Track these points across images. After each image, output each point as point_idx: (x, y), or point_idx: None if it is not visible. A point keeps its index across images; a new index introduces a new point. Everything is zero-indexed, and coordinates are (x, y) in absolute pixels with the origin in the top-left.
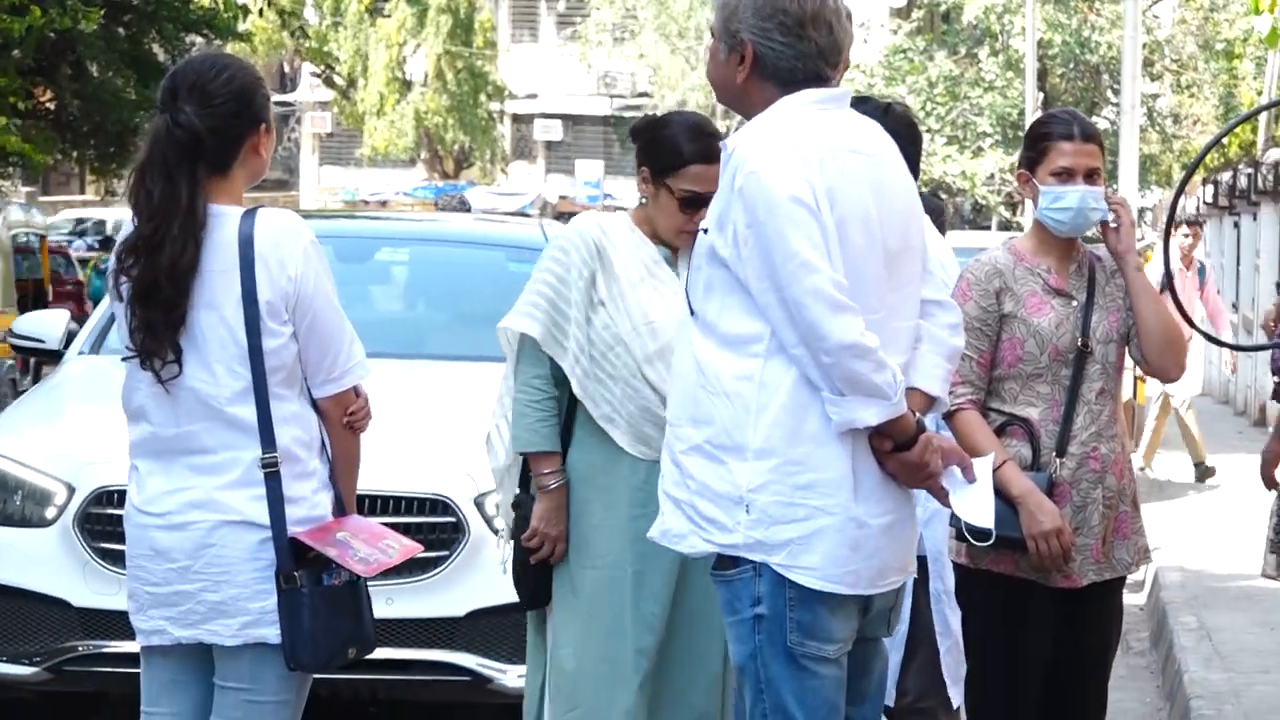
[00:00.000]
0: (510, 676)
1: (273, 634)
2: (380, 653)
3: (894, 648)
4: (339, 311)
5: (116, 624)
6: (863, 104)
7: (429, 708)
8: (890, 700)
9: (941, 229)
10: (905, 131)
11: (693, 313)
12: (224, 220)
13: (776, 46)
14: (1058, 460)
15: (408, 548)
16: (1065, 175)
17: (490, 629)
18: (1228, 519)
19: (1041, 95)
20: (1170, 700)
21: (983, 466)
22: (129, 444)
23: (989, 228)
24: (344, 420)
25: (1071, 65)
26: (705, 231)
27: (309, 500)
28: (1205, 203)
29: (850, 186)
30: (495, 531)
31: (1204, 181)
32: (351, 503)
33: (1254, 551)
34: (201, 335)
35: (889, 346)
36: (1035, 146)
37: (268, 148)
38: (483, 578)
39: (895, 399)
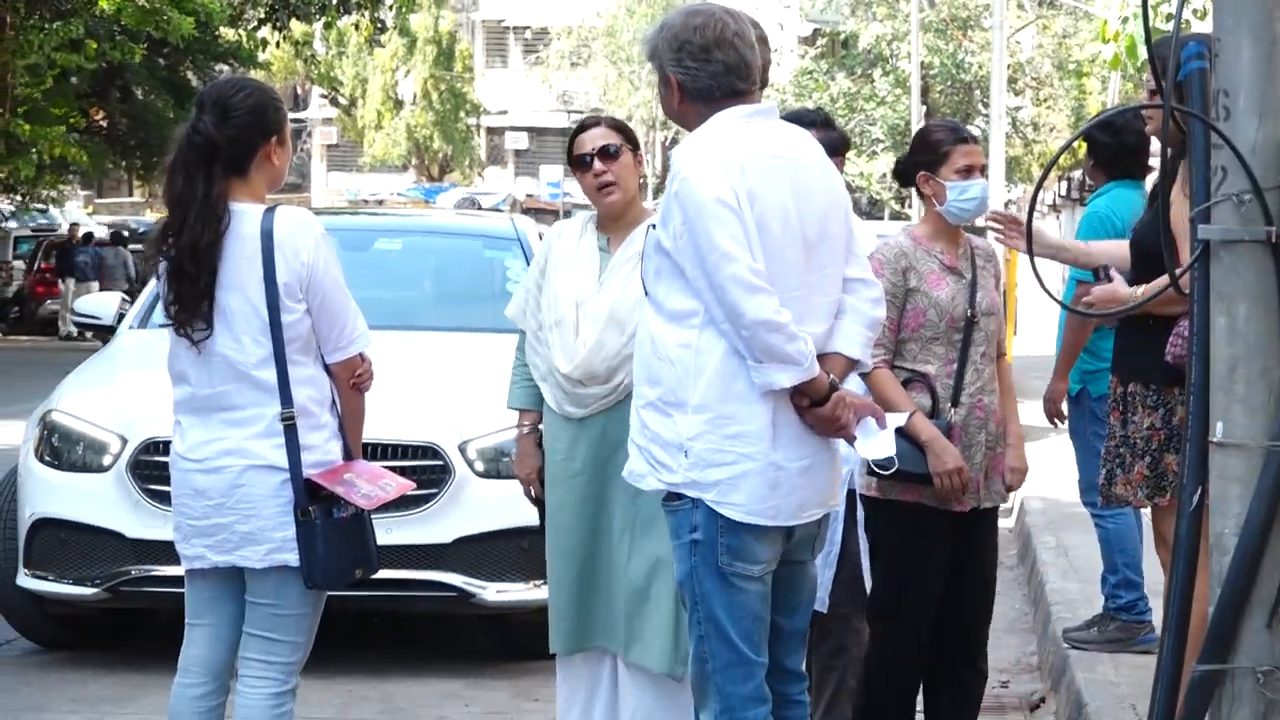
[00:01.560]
0: (490, 592)
1: (293, 558)
2: (381, 573)
3: (826, 565)
4: (345, 291)
5: (163, 551)
6: (805, 116)
7: (421, 619)
8: (824, 608)
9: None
10: (840, 140)
11: (647, 293)
12: (247, 216)
13: (691, 71)
14: (951, 409)
15: (403, 485)
16: (967, 172)
17: (473, 553)
18: (1070, 458)
19: (925, 108)
20: (1035, 605)
21: (893, 421)
22: (173, 402)
23: (882, 218)
24: (351, 381)
25: (949, 83)
26: (654, 227)
27: (321, 448)
28: (1060, 195)
29: (769, 187)
30: (476, 473)
31: (1059, 178)
32: (357, 449)
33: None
34: (230, 311)
35: (809, 318)
36: (935, 151)
37: (280, 157)
38: (466, 510)
39: (806, 364)
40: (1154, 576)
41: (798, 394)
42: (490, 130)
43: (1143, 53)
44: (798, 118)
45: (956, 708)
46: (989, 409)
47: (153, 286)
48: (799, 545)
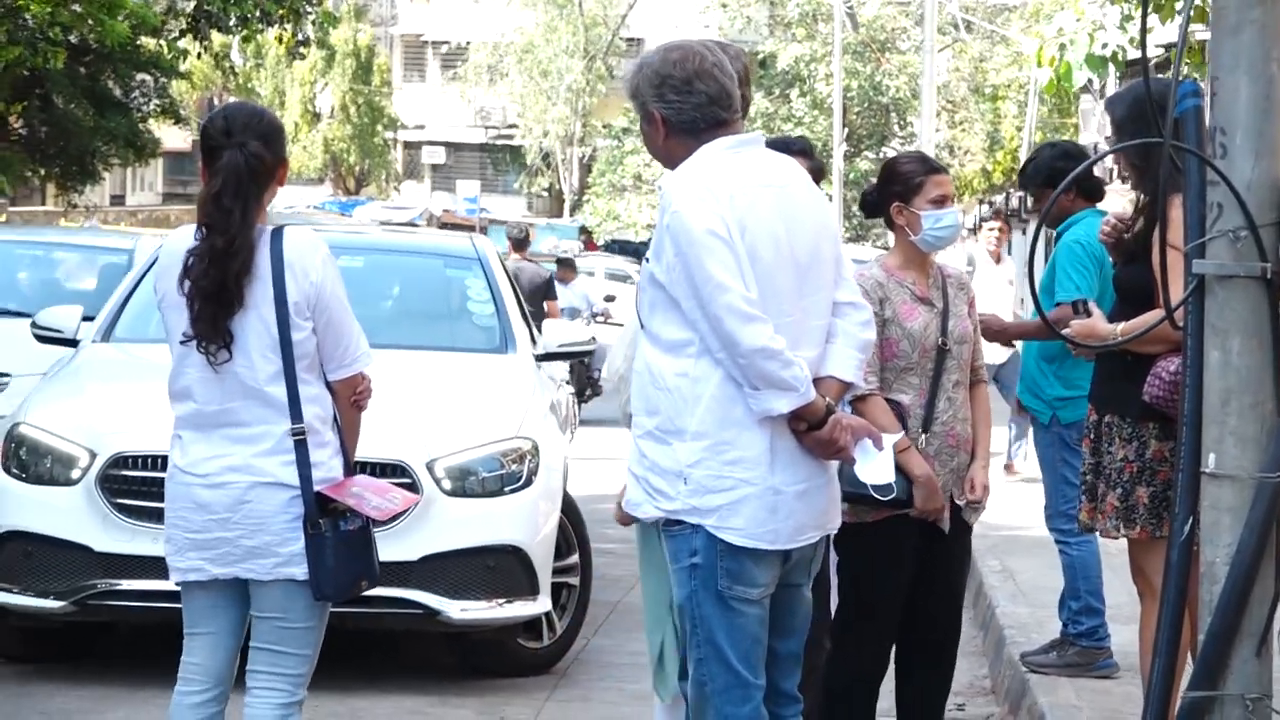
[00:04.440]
0: (454, 610)
1: (299, 572)
2: None
3: None
4: (349, 311)
5: (129, 565)
6: (787, 145)
7: (386, 635)
8: None
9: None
10: (818, 170)
11: (642, 325)
12: (260, 236)
13: (675, 105)
14: (923, 436)
15: (408, 498)
16: (941, 201)
17: (439, 570)
18: (1015, 483)
19: (846, 130)
20: (984, 629)
21: (889, 441)
22: (175, 418)
23: None
24: (352, 398)
25: (866, 105)
26: (647, 260)
27: (326, 464)
28: (981, 219)
29: (759, 215)
30: (443, 491)
31: (980, 201)
32: (352, 465)
33: (1038, 509)
34: (242, 329)
35: (803, 342)
36: (908, 182)
37: (284, 179)
38: (433, 528)
39: (803, 390)
40: (1113, 603)
41: (795, 418)
42: (407, 144)
43: (1079, 78)
44: (781, 145)
45: (927, 697)
46: (960, 438)
47: (115, 300)
48: (795, 568)
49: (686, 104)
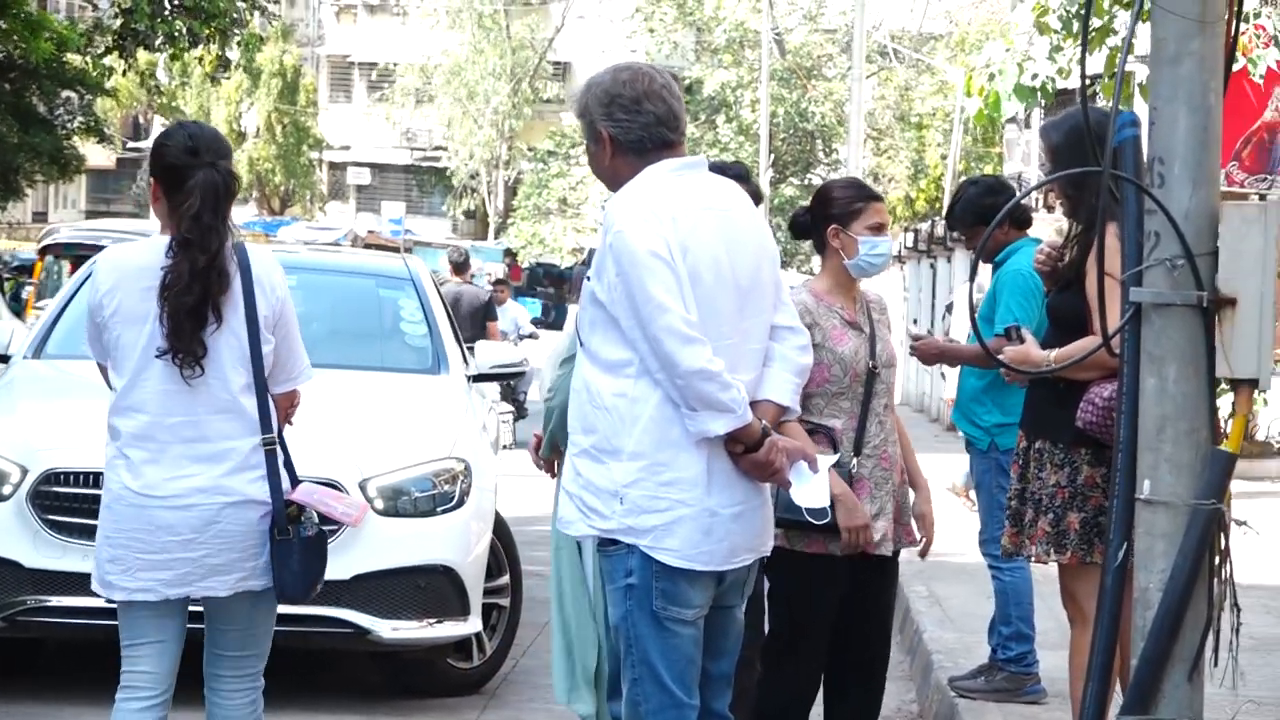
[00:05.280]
0: (385, 629)
1: (258, 584)
2: (278, 609)
3: None
4: (297, 326)
5: (60, 582)
6: (725, 169)
7: (314, 654)
8: None
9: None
10: (756, 194)
11: (581, 344)
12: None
13: (623, 124)
14: (855, 459)
15: (362, 504)
16: (878, 229)
17: (370, 590)
18: (939, 508)
19: (771, 156)
20: (911, 654)
21: (824, 462)
22: (116, 434)
23: None
24: (287, 412)
25: (791, 131)
26: (589, 279)
27: (282, 474)
28: (906, 247)
29: (701, 238)
30: (376, 510)
31: (904, 229)
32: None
33: (963, 535)
34: (215, 343)
35: (741, 365)
36: (847, 207)
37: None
38: (365, 548)
39: (740, 412)
40: (1041, 629)
41: (731, 440)
42: (333, 165)
43: (1007, 109)
44: (719, 170)
45: (859, 718)
46: (893, 459)
47: (48, 316)
48: (729, 590)
49: (634, 124)
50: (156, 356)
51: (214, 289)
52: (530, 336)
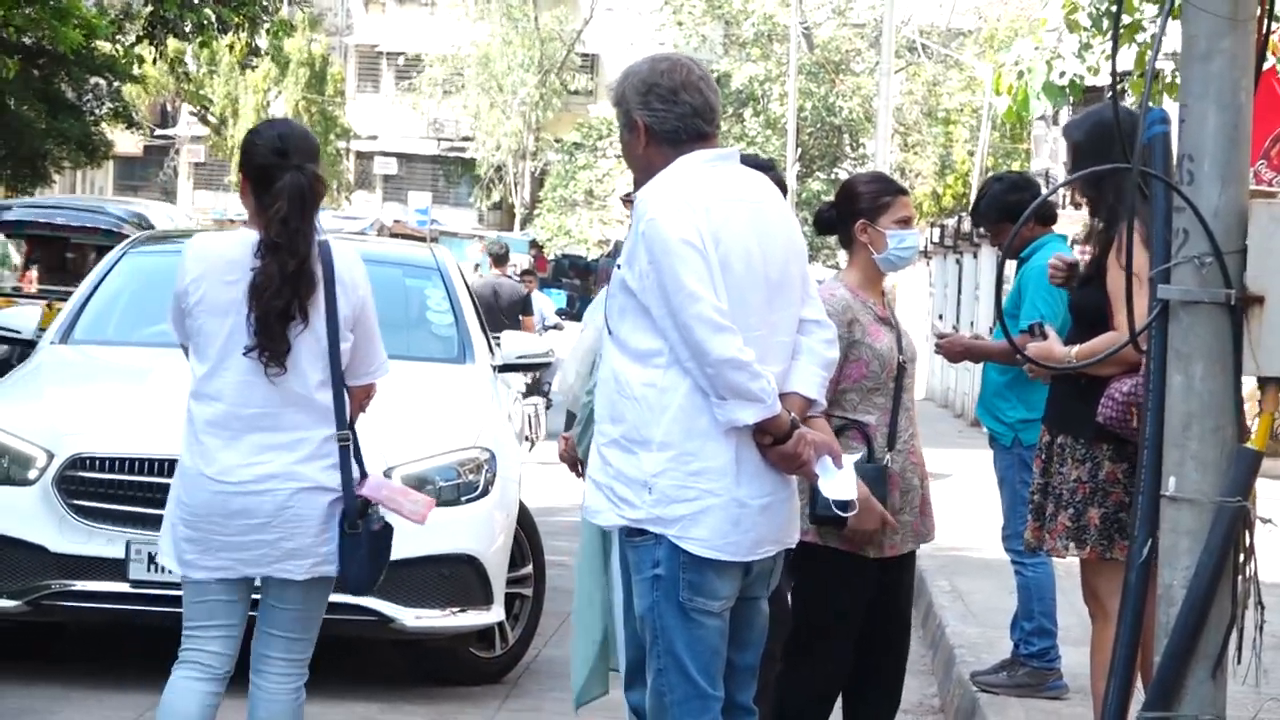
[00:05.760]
0: (409, 618)
1: (331, 569)
2: None
3: None
4: (376, 322)
5: (85, 566)
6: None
7: (338, 642)
8: None
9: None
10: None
11: (610, 332)
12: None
13: (659, 113)
14: (889, 454)
15: (429, 500)
16: (905, 222)
17: (394, 578)
18: (962, 503)
19: (799, 150)
20: (933, 648)
21: (849, 459)
22: (195, 420)
23: None
24: (361, 404)
25: (819, 126)
26: (619, 267)
27: (353, 467)
28: (932, 243)
29: (733, 229)
30: None
31: (930, 225)
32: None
33: (986, 529)
34: (297, 340)
35: (769, 357)
36: (875, 200)
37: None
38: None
39: (769, 402)
40: (1063, 624)
41: (759, 431)
42: (360, 155)
43: (1037, 107)
44: (747, 163)
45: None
46: (918, 455)
47: (74, 302)
48: (755, 581)
49: (670, 113)
50: (244, 354)
51: (303, 292)
52: (555, 328)
